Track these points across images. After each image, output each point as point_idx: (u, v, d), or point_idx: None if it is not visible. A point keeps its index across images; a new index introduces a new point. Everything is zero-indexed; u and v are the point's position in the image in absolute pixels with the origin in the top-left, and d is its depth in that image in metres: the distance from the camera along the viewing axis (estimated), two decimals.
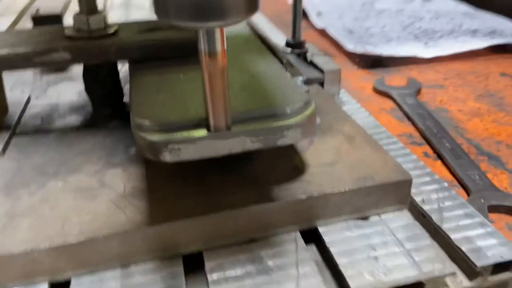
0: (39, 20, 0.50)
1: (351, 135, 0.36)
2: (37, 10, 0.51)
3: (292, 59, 0.50)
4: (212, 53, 0.25)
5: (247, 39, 0.42)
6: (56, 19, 0.50)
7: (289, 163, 0.33)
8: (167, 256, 0.29)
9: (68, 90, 0.46)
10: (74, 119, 0.40)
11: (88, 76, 0.38)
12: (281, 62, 0.37)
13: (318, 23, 0.79)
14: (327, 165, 0.33)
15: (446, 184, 0.34)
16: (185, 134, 0.27)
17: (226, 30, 0.25)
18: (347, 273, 0.27)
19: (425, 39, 0.69)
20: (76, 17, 0.36)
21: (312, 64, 0.49)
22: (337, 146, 0.35)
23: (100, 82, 0.38)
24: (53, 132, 0.38)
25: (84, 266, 0.27)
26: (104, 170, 0.33)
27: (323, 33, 0.76)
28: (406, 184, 0.31)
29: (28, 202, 0.30)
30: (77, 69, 0.51)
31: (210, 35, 0.24)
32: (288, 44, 0.52)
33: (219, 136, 0.27)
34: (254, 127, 0.27)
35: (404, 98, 0.51)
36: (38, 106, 0.43)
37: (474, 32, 0.70)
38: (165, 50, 0.36)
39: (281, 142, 0.28)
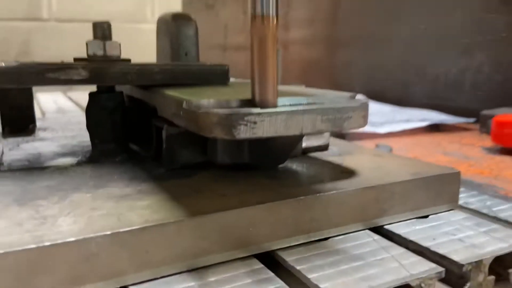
0: None
1: (378, 154, 0.36)
2: None
3: None
4: (265, 16, 0.25)
5: None
6: None
7: (336, 170, 0.32)
8: (240, 257, 0.24)
9: (46, 145, 0.41)
10: (69, 160, 0.35)
11: (95, 107, 0.34)
12: None
13: None
14: (374, 168, 0.32)
15: (475, 191, 0.35)
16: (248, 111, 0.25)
17: None
18: (442, 251, 0.25)
19: (369, 126, 0.76)
20: (90, 43, 0.34)
21: None
22: (371, 159, 0.35)
23: (108, 114, 0.34)
24: (51, 167, 0.32)
25: (147, 266, 0.21)
26: (137, 184, 0.28)
27: None
28: (455, 176, 0.31)
29: (55, 207, 0.24)
30: (47, 133, 0.47)
31: None
32: None
33: (294, 112, 0.25)
34: (326, 106, 0.27)
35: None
36: (16, 154, 0.37)
37: (407, 121, 0.79)
38: (183, 76, 0.35)
39: (347, 124, 0.27)
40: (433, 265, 0.23)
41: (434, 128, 0.74)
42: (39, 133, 0.46)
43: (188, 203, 0.25)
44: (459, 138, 0.68)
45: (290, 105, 0.26)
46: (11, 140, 0.43)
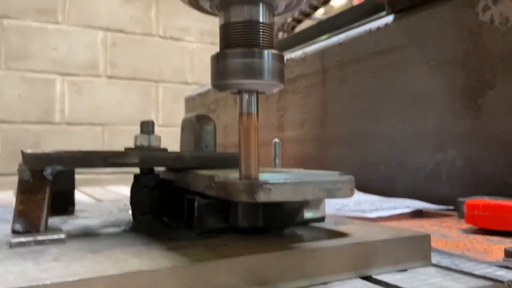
0: None
1: (365, 224, 0.45)
2: None
3: None
4: (249, 113, 0.36)
5: None
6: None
7: (332, 233, 0.40)
8: None
9: (90, 221, 0.48)
10: (115, 229, 0.42)
11: (138, 186, 0.43)
12: None
13: None
14: (363, 232, 0.40)
15: (446, 252, 0.42)
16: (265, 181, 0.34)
17: None
18: None
19: (359, 213, 0.84)
20: (138, 136, 0.44)
21: None
22: (360, 227, 0.43)
23: (148, 192, 0.43)
24: (103, 234, 0.40)
25: None
26: (177, 242, 0.36)
27: None
28: (426, 238, 0.39)
29: (121, 254, 0.31)
30: (86, 214, 0.54)
31: (250, 99, 0.36)
32: None
33: (299, 183, 0.34)
34: (322, 180, 0.36)
35: None
36: (68, 226, 0.45)
37: (394, 208, 0.87)
38: (209, 161, 0.45)
39: (339, 193, 0.36)
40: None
41: (418, 214, 0.83)
42: (78, 214, 0.54)
43: (220, 251, 0.32)
44: (439, 222, 0.76)
45: (295, 179, 0.35)
46: (57, 218, 0.51)
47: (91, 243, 0.35)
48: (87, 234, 0.39)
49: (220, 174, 0.36)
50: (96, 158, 0.39)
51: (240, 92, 0.36)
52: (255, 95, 0.36)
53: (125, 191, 1.35)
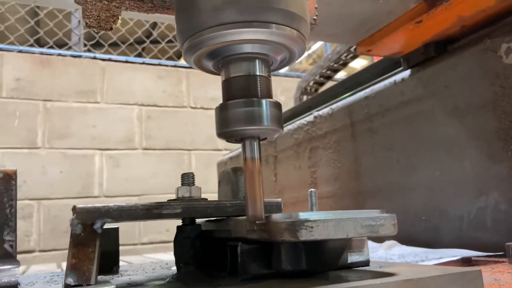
0: None
1: (412, 265, 0.44)
2: None
3: None
4: (253, 158, 0.37)
5: None
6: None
7: (379, 273, 0.39)
8: None
9: (135, 277, 0.49)
10: (161, 282, 0.43)
11: (181, 236, 0.44)
12: None
13: None
14: (410, 271, 0.39)
15: None
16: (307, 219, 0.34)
17: None
18: None
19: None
20: (180, 188, 0.45)
21: None
22: (406, 268, 0.42)
23: (191, 242, 0.44)
24: (150, 285, 0.41)
25: None
26: None
27: None
28: (477, 274, 0.38)
29: None
30: (129, 273, 0.55)
31: (252, 145, 0.37)
32: None
33: (341, 219, 0.35)
34: (364, 216, 0.36)
35: None
36: (115, 282, 0.45)
37: (441, 258, 0.84)
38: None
39: (381, 230, 0.36)
40: None
41: (467, 262, 0.79)
42: (123, 273, 0.55)
43: None
44: (490, 269, 0.72)
45: (336, 216, 0.36)
46: (103, 276, 0.51)
47: None
48: (135, 285, 0.40)
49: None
50: (140, 210, 0.41)
51: (243, 139, 0.38)
52: (257, 141, 0.38)
53: (164, 257, 1.36)
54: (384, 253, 1.02)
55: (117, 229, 0.59)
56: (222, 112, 0.39)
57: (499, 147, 0.85)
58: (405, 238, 1.06)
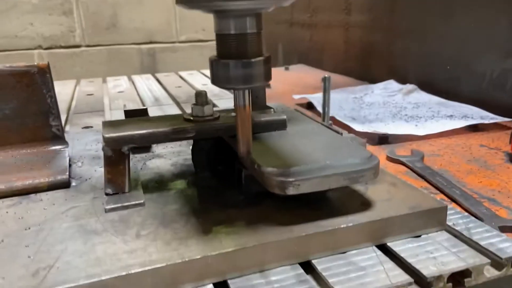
0: (129, 113, 0.64)
1: (393, 183, 0.50)
2: (124, 105, 0.66)
3: None
4: (243, 106, 0.41)
5: (306, 123, 0.57)
6: (143, 112, 0.65)
7: (358, 201, 0.46)
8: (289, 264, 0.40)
9: (162, 164, 0.59)
10: (181, 182, 0.52)
11: (197, 148, 0.51)
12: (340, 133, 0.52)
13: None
14: (385, 200, 0.46)
15: (467, 214, 0.48)
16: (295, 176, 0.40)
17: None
18: (418, 266, 0.40)
19: (414, 122, 0.87)
20: (194, 107, 0.50)
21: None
22: (387, 189, 0.49)
23: (205, 153, 0.51)
24: (171, 190, 0.50)
25: (237, 270, 0.39)
26: (229, 211, 0.45)
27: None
28: (443, 210, 0.45)
29: (184, 230, 0.41)
30: (160, 149, 0.65)
31: (244, 94, 0.40)
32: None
33: (325, 176, 0.40)
34: (348, 170, 0.41)
35: (414, 163, 0.67)
36: (147, 174, 0.55)
37: (450, 117, 0.89)
38: (257, 127, 0.51)
39: (361, 180, 0.42)
40: (408, 276, 0.38)
41: (473, 127, 0.84)
42: (154, 149, 0.64)
43: (261, 231, 0.41)
44: (490, 141, 0.78)
45: (321, 170, 0.41)
46: (139, 157, 0.61)
47: (161, 208, 0.45)
48: (159, 190, 0.49)
49: (262, 161, 0.42)
50: (160, 136, 0.47)
51: (234, 89, 0.42)
52: (247, 91, 0.41)
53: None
54: (401, 99, 1.07)
55: (145, 109, 0.66)
56: (215, 67, 0.41)
57: None
58: (427, 84, 1.08)
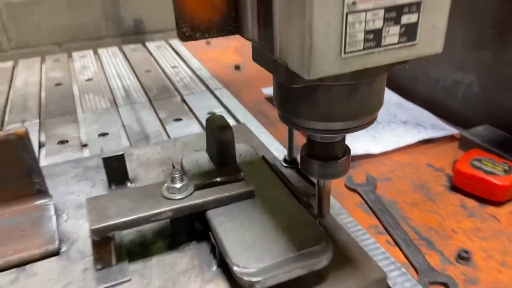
0: (107, 160, 0.69)
1: (347, 245, 0.59)
2: (101, 148, 0.70)
3: (289, 171, 0.73)
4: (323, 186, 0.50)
5: (271, 179, 0.64)
6: (120, 157, 0.69)
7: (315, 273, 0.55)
8: None
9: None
10: (161, 245, 0.59)
11: (178, 222, 0.58)
12: (300, 201, 0.59)
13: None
14: (338, 270, 0.55)
15: (404, 270, 0.57)
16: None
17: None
18: None
19: (372, 131, 0.94)
20: (170, 186, 0.56)
21: (302, 175, 0.71)
22: (342, 258, 0.57)
23: (185, 224, 0.58)
24: (154, 256, 0.57)
25: None
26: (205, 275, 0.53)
27: None
28: (384, 280, 0.54)
29: None
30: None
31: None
32: (285, 161, 0.74)
33: (287, 271, 0.48)
34: (307, 262, 0.49)
35: (368, 194, 0.75)
36: (130, 233, 0.61)
37: (405, 123, 0.96)
38: (228, 200, 0.57)
39: (318, 267, 0.50)
40: None
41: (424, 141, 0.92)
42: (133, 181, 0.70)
43: None
44: (436, 158, 0.86)
45: (287, 266, 0.48)
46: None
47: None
48: (144, 266, 0.56)
49: (231, 253, 0.49)
50: (141, 220, 0.53)
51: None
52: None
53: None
54: None
55: (122, 155, 0.71)
56: (305, 162, 0.52)
57: (491, 35, 0.85)
58: (389, 79, 1.14)
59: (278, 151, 0.84)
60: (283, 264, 0.49)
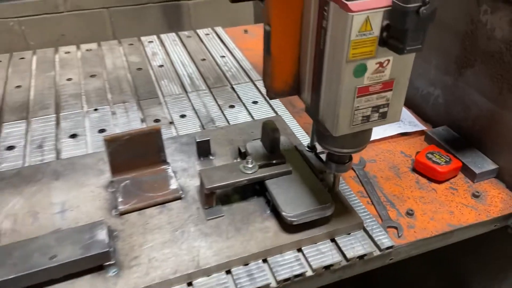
0: (200, 143, 1.12)
1: (344, 204, 1.03)
2: (195, 138, 1.14)
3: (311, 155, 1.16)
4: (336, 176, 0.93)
5: (301, 162, 1.08)
6: (207, 141, 1.13)
7: (325, 218, 1.00)
8: None
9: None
10: (237, 197, 1.04)
11: (247, 185, 1.02)
12: (317, 177, 1.03)
13: None
14: (337, 216, 1.00)
15: (373, 217, 1.02)
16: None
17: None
18: (345, 250, 0.95)
19: None
20: (244, 166, 1.00)
21: (319, 158, 1.15)
22: (339, 209, 1.02)
23: (251, 186, 1.03)
24: (234, 203, 1.02)
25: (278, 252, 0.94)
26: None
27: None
28: (361, 224, 0.99)
29: (247, 233, 0.95)
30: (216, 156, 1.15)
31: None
32: (308, 147, 1.18)
33: (309, 216, 0.93)
34: (319, 212, 0.94)
35: (359, 171, 1.19)
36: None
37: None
38: (277, 175, 1.02)
39: (326, 214, 0.95)
40: (341, 257, 0.95)
41: (403, 134, 1.34)
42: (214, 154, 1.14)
43: (282, 235, 0.95)
44: (407, 147, 1.29)
45: (310, 214, 0.94)
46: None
47: (235, 224, 0.99)
48: (229, 208, 1.01)
49: (281, 204, 0.94)
50: (230, 185, 0.98)
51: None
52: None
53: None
54: None
55: (208, 140, 1.14)
56: (327, 160, 0.92)
57: (455, 66, 1.25)
58: None
59: (302, 136, 1.27)
60: (308, 212, 0.94)
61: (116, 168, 1.03)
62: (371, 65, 0.73)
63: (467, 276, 1.38)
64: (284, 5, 0.78)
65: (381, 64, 0.74)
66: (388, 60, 0.74)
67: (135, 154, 1.04)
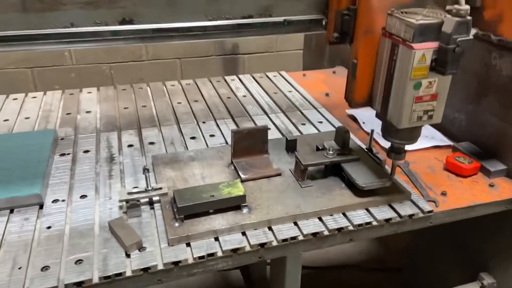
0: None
1: (397, 182, 1.46)
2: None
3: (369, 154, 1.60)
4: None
5: (365, 155, 1.52)
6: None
7: (382, 191, 1.42)
8: None
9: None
10: (319, 175, 1.48)
11: (328, 166, 1.47)
12: (379, 164, 1.47)
13: (365, 127, 1.90)
14: (391, 191, 1.42)
15: (417, 194, 1.44)
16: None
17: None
18: (399, 210, 1.37)
19: None
20: (327, 152, 1.45)
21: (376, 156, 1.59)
22: (393, 186, 1.44)
23: (331, 167, 1.47)
24: (318, 179, 1.46)
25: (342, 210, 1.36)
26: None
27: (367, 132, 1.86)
28: (409, 195, 1.41)
29: (328, 197, 1.38)
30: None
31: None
32: (366, 149, 1.62)
33: (372, 185, 1.36)
34: (381, 183, 1.37)
35: (405, 167, 1.62)
36: None
37: (427, 136, 1.82)
38: (350, 161, 1.46)
39: (385, 185, 1.37)
40: (395, 214, 1.37)
41: (434, 147, 1.78)
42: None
43: (347, 195, 1.38)
44: (439, 155, 1.72)
45: (373, 184, 1.37)
46: None
47: (321, 190, 1.42)
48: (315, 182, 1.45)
49: (355, 177, 1.37)
50: (318, 163, 1.42)
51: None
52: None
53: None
54: None
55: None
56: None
57: (473, 98, 1.71)
58: None
59: (359, 143, 1.72)
60: (373, 182, 1.37)
61: (236, 153, 1.49)
62: (424, 83, 1.19)
63: (487, 259, 1.75)
64: (367, 47, 1.26)
65: (430, 82, 1.20)
66: (435, 80, 1.20)
67: (249, 144, 1.50)
